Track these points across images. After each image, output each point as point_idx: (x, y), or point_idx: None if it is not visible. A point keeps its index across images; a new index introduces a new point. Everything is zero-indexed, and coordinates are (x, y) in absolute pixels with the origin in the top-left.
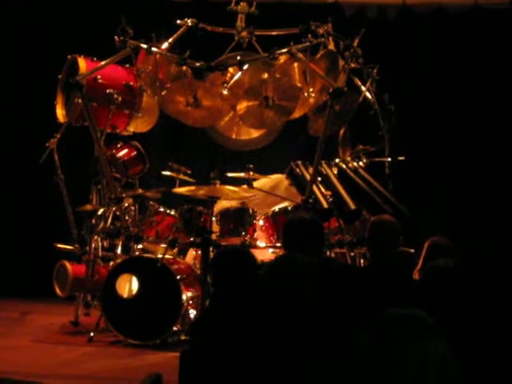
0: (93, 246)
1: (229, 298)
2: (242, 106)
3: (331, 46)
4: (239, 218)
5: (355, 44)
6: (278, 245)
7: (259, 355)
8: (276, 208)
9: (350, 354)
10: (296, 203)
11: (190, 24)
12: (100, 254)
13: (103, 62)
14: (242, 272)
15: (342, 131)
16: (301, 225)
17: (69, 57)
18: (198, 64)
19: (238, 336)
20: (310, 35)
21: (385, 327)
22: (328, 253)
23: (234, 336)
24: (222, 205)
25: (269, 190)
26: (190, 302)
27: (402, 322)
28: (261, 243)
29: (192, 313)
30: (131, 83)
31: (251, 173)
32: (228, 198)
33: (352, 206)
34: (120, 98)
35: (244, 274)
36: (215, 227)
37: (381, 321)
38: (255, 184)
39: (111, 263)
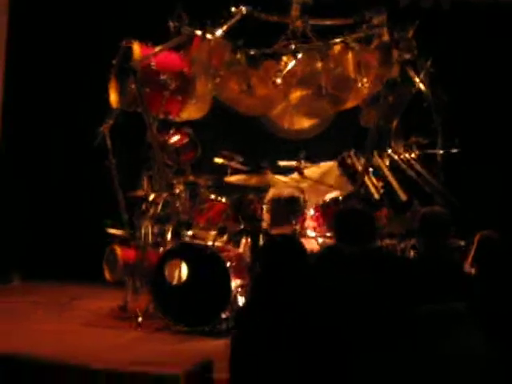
0: (143, 231)
1: (276, 288)
2: (296, 95)
3: (385, 37)
4: (290, 207)
5: (409, 35)
6: (328, 235)
7: (309, 347)
8: (326, 198)
9: (398, 350)
10: (347, 193)
11: (244, 12)
12: (150, 239)
13: (157, 48)
14: (291, 261)
15: (394, 123)
16: (351, 215)
17: (123, 42)
18: (252, 52)
19: (286, 326)
20: (364, 25)
21: (420, 325)
22: (378, 243)
23: (283, 326)
24: (274, 192)
25: (319, 179)
26: (239, 290)
27: (438, 318)
28: (311, 233)
29: (241, 300)
30: (185, 70)
31: (303, 162)
32: (279, 187)
33: (403, 196)
34: (173, 85)
35: (292, 264)
36: (266, 215)
37: (417, 318)
38: (305, 172)
39: (161, 249)
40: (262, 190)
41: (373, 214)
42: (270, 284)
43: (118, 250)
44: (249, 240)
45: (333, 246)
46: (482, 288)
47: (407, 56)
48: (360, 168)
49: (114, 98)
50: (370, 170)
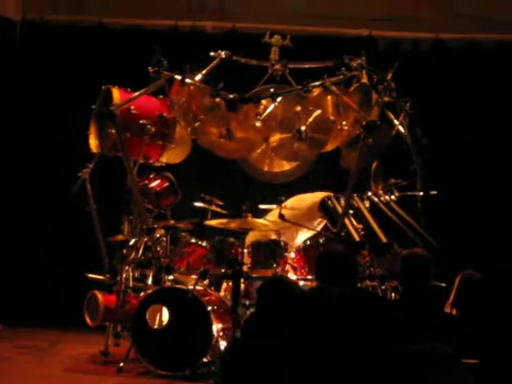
0: (124, 276)
1: (272, 330)
2: (275, 138)
3: (364, 80)
4: (271, 250)
5: (388, 77)
6: (309, 277)
7: None
8: (307, 241)
9: None
10: (327, 236)
11: (223, 56)
12: (131, 284)
13: (137, 93)
14: (280, 306)
15: (374, 165)
16: (333, 257)
17: (103, 87)
18: (231, 96)
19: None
20: (343, 68)
21: (406, 363)
22: (359, 285)
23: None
24: (254, 235)
25: (291, 209)
26: (221, 334)
27: (423, 357)
28: (292, 276)
29: (222, 344)
30: (165, 114)
31: (283, 205)
32: (259, 230)
33: (383, 239)
34: (153, 129)
35: (281, 308)
36: (246, 259)
37: (401, 357)
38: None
39: (142, 294)
40: (242, 233)
41: (353, 255)
42: (266, 326)
43: (99, 295)
44: (229, 283)
45: (317, 287)
46: (463, 329)
47: (386, 98)
48: (340, 210)
49: (93, 142)
50: (350, 212)
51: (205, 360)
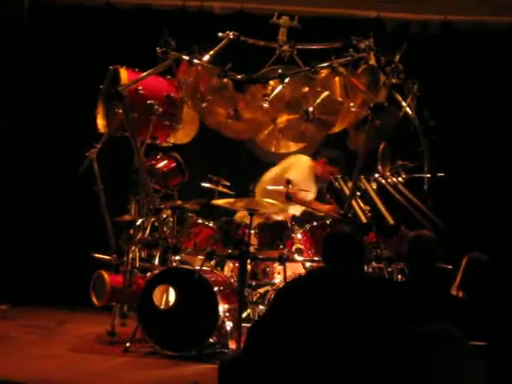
0: (130, 256)
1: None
2: (283, 119)
3: (372, 61)
4: (277, 232)
5: (396, 59)
6: (316, 258)
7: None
8: (314, 222)
9: (387, 370)
10: (335, 217)
11: (231, 37)
12: (138, 264)
13: (145, 73)
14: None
15: (381, 146)
16: (340, 238)
17: (110, 67)
18: (239, 76)
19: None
20: (351, 50)
21: (414, 344)
22: (366, 267)
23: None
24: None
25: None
26: (227, 314)
27: (430, 339)
28: (298, 257)
29: (228, 325)
30: (172, 94)
31: (290, 186)
32: (267, 210)
33: (390, 220)
34: (161, 109)
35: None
36: (253, 240)
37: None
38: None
39: (148, 274)
40: (249, 214)
41: (361, 237)
42: None
43: (105, 276)
44: (236, 264)
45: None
46: (469, 311)
47: (394, 80)
48: (347, 192)
49: (101, 122)
50: (358, 193)
51: (211, 340)
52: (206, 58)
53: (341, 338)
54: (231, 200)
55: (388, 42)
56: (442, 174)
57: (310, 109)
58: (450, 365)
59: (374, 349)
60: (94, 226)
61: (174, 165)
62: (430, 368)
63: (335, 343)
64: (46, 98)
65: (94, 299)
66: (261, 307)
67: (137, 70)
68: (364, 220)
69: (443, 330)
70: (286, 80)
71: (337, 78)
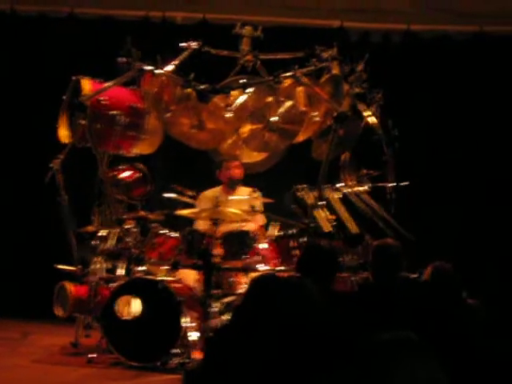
0: (94, 267)
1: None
2: (246, 129)
3: (336, 71)
4: (242, 241)
5: (360, 69)
6: (281, 268)
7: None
8: (280, 232)
9: (347, 379)
10: (300, 227)
11: (194, 47)
12: (101, 275)
13: (108, 84)
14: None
15: (345, 156)
16: (322, 253)
17: (73, 78)
18: (202, 86)
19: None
20: (314, 59)
21: (372, 353)
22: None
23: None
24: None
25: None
26: (192, 325)
27: (390, 346)
28: (262, 267)
29: (192, 335)
30: (136, 105)
31: (256, 195)
32: (231, 220)
33: (355, 230)
34: (124, 120)
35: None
36: (218, 250)
37: (368, 347)
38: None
39: (112, 285)
40: (213, 224)
41: (338, 253)
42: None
43: (68, 287)
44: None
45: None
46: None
47: (357, 89)
48: (310, 201)
49: (63, 133)
50: (323, 203)
51: (175, 351)
52: (170, 68)
53: (300, 346)
54: (195, 210)
55: (351, 51)
56: (406, 183)
57: (274, 119)
58: (411, 373)
59: (333, 357)
60: (57, 237)
61: (138, 175)
62: (390, 376)
63: (294, 351)
64: (8, 108)
65: (58, 310)
66: (225, 317)
67: (100, 80)
68: (327, 229)
69: (404, 337)
70: (249, 90)
71: (300, 88)
